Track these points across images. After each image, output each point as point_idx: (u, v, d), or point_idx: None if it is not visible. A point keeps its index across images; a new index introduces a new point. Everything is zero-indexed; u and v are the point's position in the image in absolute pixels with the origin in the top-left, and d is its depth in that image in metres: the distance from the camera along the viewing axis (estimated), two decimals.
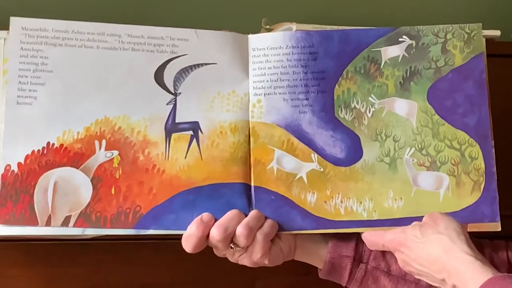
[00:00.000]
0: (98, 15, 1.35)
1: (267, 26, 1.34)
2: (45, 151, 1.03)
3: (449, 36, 1.09)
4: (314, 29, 1.21)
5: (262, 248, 1.03)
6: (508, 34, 1.54)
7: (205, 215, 1.03)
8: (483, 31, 1.10)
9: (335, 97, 1.09)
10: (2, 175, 1.02)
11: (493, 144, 1.07)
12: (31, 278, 1.23)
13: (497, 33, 1.30)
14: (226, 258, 1.06)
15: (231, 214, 1.03)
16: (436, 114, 1.08)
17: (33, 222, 1.01)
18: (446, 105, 1.08)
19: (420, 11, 1.69)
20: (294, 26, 1.27)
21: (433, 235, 0.98)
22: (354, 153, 1.08)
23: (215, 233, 1.01)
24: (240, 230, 1.01)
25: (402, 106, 1.09)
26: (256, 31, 1.35)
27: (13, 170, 1.02)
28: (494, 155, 1.07)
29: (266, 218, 1.05)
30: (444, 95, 1.08)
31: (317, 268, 1.12)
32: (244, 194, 1.06)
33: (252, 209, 1.05)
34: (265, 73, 1.09)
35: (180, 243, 1.02)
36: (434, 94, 1.08)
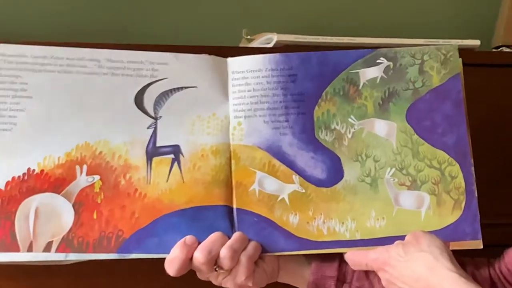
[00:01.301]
0: (78, 35, 1.34)
1: (248, 37, 1.35)
2: (25, 177, 1.02)
3: (425, 57, 1.11)
4: (295, 39, 1.22)
5: (246, 270, 1.02)
6: (487, 44, 1.56)
7: (188, 238, 1.02)
8: (463, 40, 1.11)
9: (315, 119, 1.09)
10: None
11: (472, 162, 1.08)
12: None
13: (477, 42, 1.32)
14: None
15: (214, 236, 1.03)
16: (415, 134, 1.09)
17: (15, 248, 1.00)
18: (425, 125, 1.09)
19: (401, 21, 1.71)
20: (275, 36, 1.28)
21: (416, 253, 0.98)
22: (335, 173, 1.08)
23: (199, 256, 1.00)
24: (224, 252, 1.01)
25: (381, 127, 1.09)
26: (237, 41, 1.36)
27: None
28: (474, 174, 1.08)
29: (249, 240, 1.05)
30: (423, 115, 1.09)
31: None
32: (226, 217, 1.05)
33: (235, 231, 1.05)
34: (245, 96, 1.09)
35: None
36: (413, 115, 1.09)
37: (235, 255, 1.02)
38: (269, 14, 1.67)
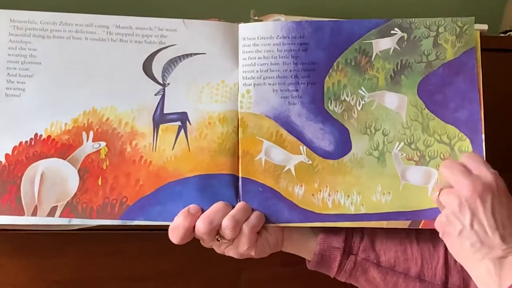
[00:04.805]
0: (86, 6, 1.34)
1: (256, 18, 1.33)
2: (32, 142, 1.04)
3: (441, 29, 1.07)
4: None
5: (249, 240, 1.03)
6: (495, 29, 1.52)
7: (192, 207, 1.03)
8: None
9: (325, 89, 1.07)
10: None
11: (484, 138, 1.05)
12: (18, 268, 1.25)
13: (484, 27, 1.28)
14: (213, 250, 1.06)
15: (217, 206, 1.03)
16: (426, 109, 1.06)
17: (20, 212, 1.02)
18: (436, 99, 1.06)
19: (407, 4, 1.67)
20: (282, 17, 1.26)
21: None
22: (343, 146, 1.07)
23: (201, 226, 1.01)
24: (226, 223, 1.01)
25: (392, 100, 1.07)
26: (244, 22, 1.35)
27: (0, 161, 1.03)
28: (485, 150, 1.05)
29: (253, 210, 1.05)
30: (435, 89, 1.06)
31: (303, 259, 1.12)
32: (231, 186, 1.06)
33: (239, 201, 1.05)
34: (255, 63, 1.08)
35: (167, 234, 1.02)
36: (425, 88, 1.07)
37: (237, 225, 1.02)
38: None
